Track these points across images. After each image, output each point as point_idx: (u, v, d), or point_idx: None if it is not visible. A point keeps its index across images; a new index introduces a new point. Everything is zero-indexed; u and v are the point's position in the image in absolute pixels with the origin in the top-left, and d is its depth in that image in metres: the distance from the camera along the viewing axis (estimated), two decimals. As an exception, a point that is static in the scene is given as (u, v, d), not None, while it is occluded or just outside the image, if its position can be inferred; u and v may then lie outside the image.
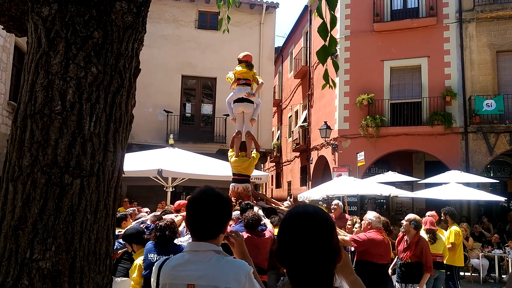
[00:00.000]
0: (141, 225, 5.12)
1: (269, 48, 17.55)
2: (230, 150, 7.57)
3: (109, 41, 1.66)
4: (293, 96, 23.43)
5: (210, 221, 1.89)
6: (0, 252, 1.51)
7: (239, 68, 7.46)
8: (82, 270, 1.54)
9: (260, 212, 5.77)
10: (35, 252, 1.47)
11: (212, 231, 1.90)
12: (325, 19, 1.93)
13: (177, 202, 7.01)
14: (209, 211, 1.88)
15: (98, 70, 1.63)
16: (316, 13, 2.07)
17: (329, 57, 1.94)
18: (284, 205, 7.89)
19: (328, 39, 1.92)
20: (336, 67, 1.98)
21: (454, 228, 7.63)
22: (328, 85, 2.21)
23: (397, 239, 6.09)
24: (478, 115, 14.03)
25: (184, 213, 5.83)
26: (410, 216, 5.92)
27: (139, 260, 4.30)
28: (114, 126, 1.68)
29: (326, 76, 2.12)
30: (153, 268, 1.99)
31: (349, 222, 6.94)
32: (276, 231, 5.50)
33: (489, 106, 13.78)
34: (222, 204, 1.93)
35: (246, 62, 7.47)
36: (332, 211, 8.43)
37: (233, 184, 7.26)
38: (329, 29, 1.92)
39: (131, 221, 5.97)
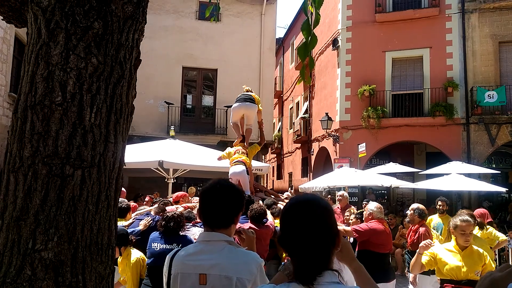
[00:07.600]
0: (146, 216, 5.14)
1: (270, 39, 17.45)
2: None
3: (110, 32, 1.65)
4: (294, 87, 23.36)
5: (223, 210, 1.93)
6: (2, 243, 1.52)
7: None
8: (84, 260, 1.55)
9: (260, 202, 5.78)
10: (37, 242, 1.48)
11: (225, 220, 1.94)
12: (309, 17, 1.97)
13: (175, 194, 6.95)
14: (222, 200, 1.92)
15: (99, 61, 1.62)
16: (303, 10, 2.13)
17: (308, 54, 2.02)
18: (284, 196, 7.90)
19: (310, 36, 1.98)
20: (311, 65, 2.06)
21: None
22: (303, 80, 2.32)
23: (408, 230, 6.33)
24: (480, 106, 14.00)
25: (184, 204, 5.86)
26: (414, 205, 6.18)
27: (134, 257, 4.22)
28: (115, 117, 1.68)
29: (303, 71, 2.19)
30: (166, 259, 2.01)
31: (346, 213, 6.96)
32: (277, 222, 5.52)
33: (490, 97, 13.74)
34: (235, 194, 1.98)
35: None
36: (338, 202, 8.44)
37: (231, 176, 7.00)
38: (312, 27, 1.95)
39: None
